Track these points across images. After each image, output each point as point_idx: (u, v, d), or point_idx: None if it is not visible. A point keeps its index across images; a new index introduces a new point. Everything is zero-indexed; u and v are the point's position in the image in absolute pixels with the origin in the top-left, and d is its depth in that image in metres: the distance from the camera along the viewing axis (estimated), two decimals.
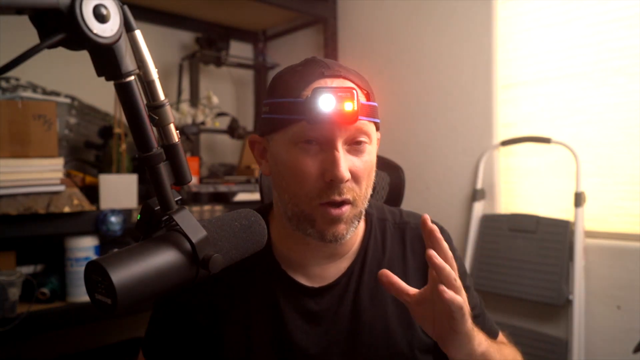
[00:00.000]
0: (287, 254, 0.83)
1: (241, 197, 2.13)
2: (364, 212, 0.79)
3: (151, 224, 0.53)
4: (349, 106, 0.67)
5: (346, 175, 0.71)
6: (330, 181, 0.72)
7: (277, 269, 0.83)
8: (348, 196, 0.74)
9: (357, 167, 0.74)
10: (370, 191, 0.79)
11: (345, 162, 0.72)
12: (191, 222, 0.51)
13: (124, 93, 0.48)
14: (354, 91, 0.68)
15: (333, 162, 0.71)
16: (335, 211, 0.74)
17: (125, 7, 0.46)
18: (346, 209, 0.75)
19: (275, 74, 0.81)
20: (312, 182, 0.73)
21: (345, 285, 0.82)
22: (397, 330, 0.82)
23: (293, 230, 0.78)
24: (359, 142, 0.74)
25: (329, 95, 0.67)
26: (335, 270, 0.83)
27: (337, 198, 0.73)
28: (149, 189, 1.86)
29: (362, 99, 0.73)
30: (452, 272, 0.64)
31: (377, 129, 0.79)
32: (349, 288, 0.82)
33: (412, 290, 0.68)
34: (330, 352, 0.80)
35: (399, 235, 0.88)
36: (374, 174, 0.79)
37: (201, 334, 0.83)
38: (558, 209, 1.91)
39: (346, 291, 0.82)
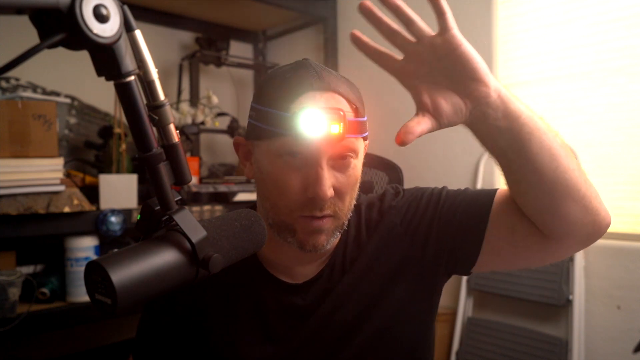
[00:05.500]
0: (269, 255, 0.83)
1: (241, 197, 2.13)
2: (345, 224, 0.78)
3: (151, 224, 0.53)
4: (336, 128, 0.66)
5: (329, 193, 0.71)
6: (312, 198, 0.71)
7: (260, 269, 0.83)
8: (329, 211, 0.73)
9: (340, 182, 0.73)
10: (354, 202, 0.79)
11: (329, 179, 0.71)
12: (191, 222, 0.51)
13: (124, 93, 0.48)
14: (342, 112, 0.67)
15: (316, 180, 0.70)
16: (316, 222, 0.74)
17: (125, 7, 0.46)
18: (327, 220, 0.74)
19: (265, 76, 0.79)
20: (293, 195, 0.73)
21: (328, 276, 0.82)
22: (389, 313, 0.81)
23: (274, 234, 0.78)
24: (345, 157, 0.73)
25: (316, 116, 0.66)
26: (316, 266, 0.83)
27: (318, 214, 0.73)
28: (149, 189, 1.86)
29: (351, 116, 0.72)
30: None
31: (365, 139, 0.78)
32: (333, 279, 0.82)
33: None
34: (322, 345, 0.80)
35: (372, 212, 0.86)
36: (358, 185, 0.78)
37: (190, 336, 0.83)
38: None
39: (330, 282, 0.82)
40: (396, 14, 0.59)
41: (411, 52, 0.63)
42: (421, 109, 0.65)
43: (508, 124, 0.65)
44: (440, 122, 0.65)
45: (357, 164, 0.76)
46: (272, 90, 0.74)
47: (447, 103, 0.64)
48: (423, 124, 0.64)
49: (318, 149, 0.70)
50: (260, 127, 0.74)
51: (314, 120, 0.66)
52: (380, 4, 0.59)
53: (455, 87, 0.63)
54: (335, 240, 0.79)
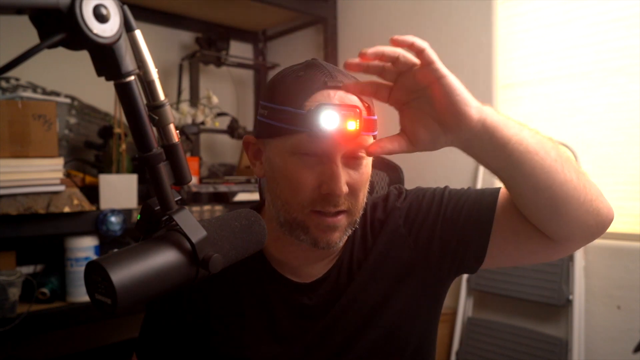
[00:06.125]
0: (277, 254, 0.83)
1: (241, 197, 2.13)
2: (358, 221, 0.79)
3: (151, 224, 0.53)
4: (352, 125, 0.66)
5: (344, 189, 0.71)
6: (327, 194, 0.72)
7: (267, 268, 0.83)
8: (343, 207, 0.74)
9: (354, 179, 0.74)
10: (365, 199, 0.79)
11: (344, 175, 0.72)
12: (191, 222, 0.51)
13: (124, 93, 0.48)
14: (358, 109, 0.68)
15: (332, 177, 0.71)
16: (330, 220, 0.74)
17: (125, 7, 0.46)
18: (341, 217, 0.75)
19: (275, 76, 0.79)
20: (307, 192, 0.73)
21: (336, 277, 0.82)
22: (395, 314, 0.81)
23: (284, 234, 0.78)
24: (358, 155, 0.74)
25: (333, 112, 0.66)
26: (324, 266, 0.83)
27: (332, 209, 0.73)
28: (149, 189, 1.86)
29: (364, 114, 0.72)
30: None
31: (375, 137, 0.78)
32: (340, 279, 0.82)
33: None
34: (328, 345, 0.80)
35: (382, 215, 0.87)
36: (369, 183, 0.79)
37: (194, 335, 0.83)
38: None
39: (338, 283, 0.82)
40: (380, 59, 0.63)
41: (399, 82, 0.66)
42: (402, 130, 0.68)
43: (496, 150, 0.66)
44: (416, 147, 0.67)
45: (368, 162, 0.77)
46: (284, 89, 0.74)
47: (426, 131, 0.66)
48: (396, 145, 0.67)
49: (333, 146, 0.70)
50: (273, 125, 0.74)
51: (331, 117, 0.66)
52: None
53: (436, 117, 0.65)
54: (346, 237, 0.79)
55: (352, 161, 0.74)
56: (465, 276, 2.08)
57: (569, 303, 1.81)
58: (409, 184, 1.08)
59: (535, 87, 2.01)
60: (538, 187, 0.68)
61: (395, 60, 0.62)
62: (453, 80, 0.62)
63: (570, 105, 1.92)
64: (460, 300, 2.08)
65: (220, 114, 2.49)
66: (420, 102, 0.65)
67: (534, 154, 0.66)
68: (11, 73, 1.66)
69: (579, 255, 1.80)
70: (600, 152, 1.85)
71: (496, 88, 2.09)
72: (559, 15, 1.94)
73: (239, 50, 2.84)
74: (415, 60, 0.62)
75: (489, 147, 0.65)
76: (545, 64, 1.98)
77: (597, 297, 1.82)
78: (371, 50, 0.62)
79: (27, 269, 1.70)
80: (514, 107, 2.08)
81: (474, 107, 0.63)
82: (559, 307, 1.84)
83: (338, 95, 0.72)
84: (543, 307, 1.89)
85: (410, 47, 0.60)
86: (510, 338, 1.92)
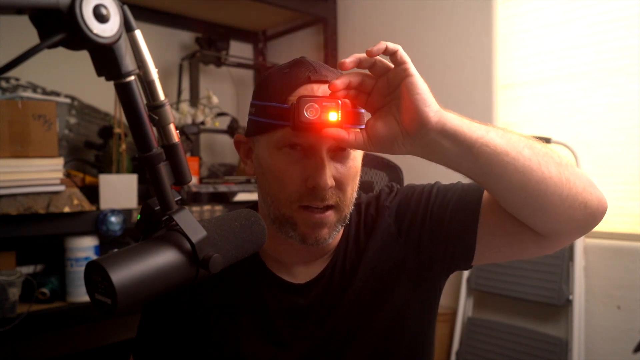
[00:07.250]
0: (272, 253, 0.83)
1: (241, 197, 2.13)
2: (348, 217, 0.79)
3: (151, 224, 0.53)
4: (334, 116, 0.67)
5: (329, 182, 0.71)
6: (313, 188, 0.72)
7: (262, 268, 0.83)
8: (331, 202, 0.74)
9: (341, 173, 0.74)
10: (355, 194, 0.79)
11: (329, 169, 0.72)
12: (191, 222, 0.51)
13: (124, 93, 0.48)
14: (339, 101, 0.68)
15: (317, 170, 0.71)
16: (318, 216, 0.74)
17: (125, 7, 0.46)
18: (330, 213, 0.75)
19: (263, 74, 0.80)
20: (294, 187, 0.73)
21: (329, 277, 0.82)
22: (390, 314, 0.81)
23: (276, 231, 0.78)
24: (344, 148, 0.74)
25: (314, 104, 0.66)
26: (319, 265, 0.83)
27: (319, 204, 0.73)
28: (149, 189, 1.86)
29: (348, 106, 0.73)
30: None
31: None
32: (334, 279, 0.82)
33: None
34: (323, 345, 0.80)
35: (374, 213, 0.87)
36: (358, 177, 0.79)
37: (191, 335, 0.83)
38: None
39: (332, 283, 0.82)
40: (359, 66, 0.65)
41: (376, 87, 0.67)
42: (365, 127, 0.68)
43: (461, 154, 0.65)
44: (374, 146, 0.67)
45: (356, 156, 0.77)
46: (270, 86, 0.75)
47: (386, 130, 0.66)
48: (352, 137, 0.66)
49: (317, 140, 0.71)
50: (260, 122, 0.75)
51: (311, 109, 0.66)
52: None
53: (399, 117, 0.65)
54: (337, 234, 0.79)
55: (338, 155, 0.74)
56: (465, 276, 2.09)
57: (569, 303, 1.81)
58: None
59: (535, 87, 2.01)
60: (513, 187, 0.67)
61: (372, 65, 0.65)
62: (418, 80, 0.63)
63: (570, 105, 1.92)
64: (460, 300, 2.08)
65: (220, 114, 2.49)
66: (391, 105, 0.66)
67: (503, 155, 0.65)
68: (11, 73, 1.66)
69: (579, 255, 1.80)
70: (600, 152, 1.85)
71: (496, 88, 2.09)
72: (559, 15, 1.94)
73: (239, 50, 2.84)
74: (390, 65, 0.64)
75: (453, 151, 0.65)
76: (545, 64, 1.98)
77: (597, 297, 1.82)
78: (349, 59, 0.64)
79: (27, 269, 1.70)
80: (514, 107, 2.08)
81: (433, 110, 0.63)
82: (559, 307, 1.84)
83: (322, 89, 0.72)
84: (543, 307, 1.89)
85: (385, 51, 0.63)
86: (510, 338, 1.92)
